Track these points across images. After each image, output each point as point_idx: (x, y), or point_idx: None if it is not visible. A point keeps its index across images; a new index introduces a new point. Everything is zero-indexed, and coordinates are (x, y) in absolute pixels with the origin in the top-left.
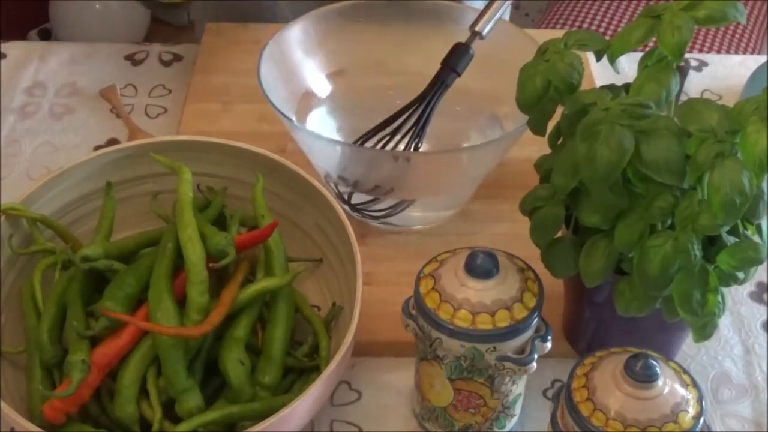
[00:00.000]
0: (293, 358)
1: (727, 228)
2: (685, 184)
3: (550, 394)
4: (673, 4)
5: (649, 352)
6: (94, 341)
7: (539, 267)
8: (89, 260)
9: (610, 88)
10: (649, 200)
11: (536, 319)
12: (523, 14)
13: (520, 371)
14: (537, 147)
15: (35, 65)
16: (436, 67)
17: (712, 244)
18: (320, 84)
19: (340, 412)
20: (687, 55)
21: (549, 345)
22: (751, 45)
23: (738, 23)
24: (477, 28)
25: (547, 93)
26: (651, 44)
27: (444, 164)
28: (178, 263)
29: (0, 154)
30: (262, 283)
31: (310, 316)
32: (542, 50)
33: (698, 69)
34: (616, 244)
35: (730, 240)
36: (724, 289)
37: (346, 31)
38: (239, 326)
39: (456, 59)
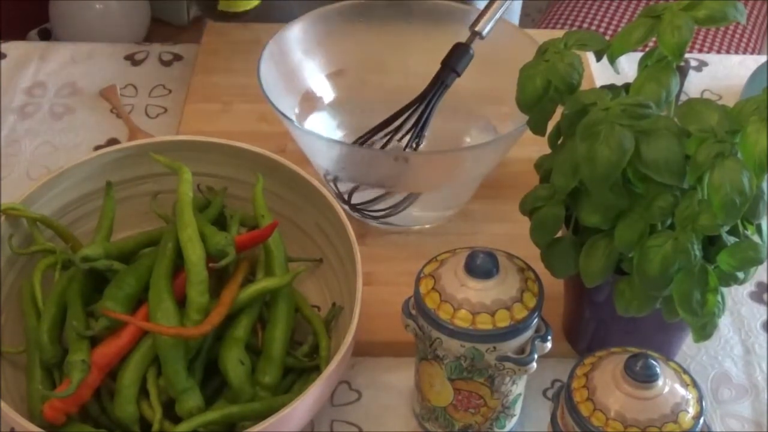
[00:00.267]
0: (293, 358)
1: (727, 228)
2: (685, 184)
3: (550, 394)
4: (673, 4)
5: (649, 352)
6: (94, 341)
7: (539, 267)
8: (89, 260)
9: (610, 88)
10: (649, 200)
11: (536, 319)
12: (523, 14)
13: (520, 371)
14: (537, 147)
15: (35, 65)
16: (436, 67)
17: (712, 244)
18: (320, 84)
19: (340, 412)
20: (687, 55)
21: (549, 345)
22: (751, 45)
23: (738, 23)
24: (477, 28)
25: (547, 93)
26: (651, 44)
27: (444, 164)
28: (178, 263)
29: (0, 154)
30: (262, 283)
31: (310, 316)
32: (542, 50)
33: (698, 69)
34: (616, 244)
35: (730, 240)
36: (724, 289)
37: (346, 31)
38: (239, 326)
39: (456, 59)
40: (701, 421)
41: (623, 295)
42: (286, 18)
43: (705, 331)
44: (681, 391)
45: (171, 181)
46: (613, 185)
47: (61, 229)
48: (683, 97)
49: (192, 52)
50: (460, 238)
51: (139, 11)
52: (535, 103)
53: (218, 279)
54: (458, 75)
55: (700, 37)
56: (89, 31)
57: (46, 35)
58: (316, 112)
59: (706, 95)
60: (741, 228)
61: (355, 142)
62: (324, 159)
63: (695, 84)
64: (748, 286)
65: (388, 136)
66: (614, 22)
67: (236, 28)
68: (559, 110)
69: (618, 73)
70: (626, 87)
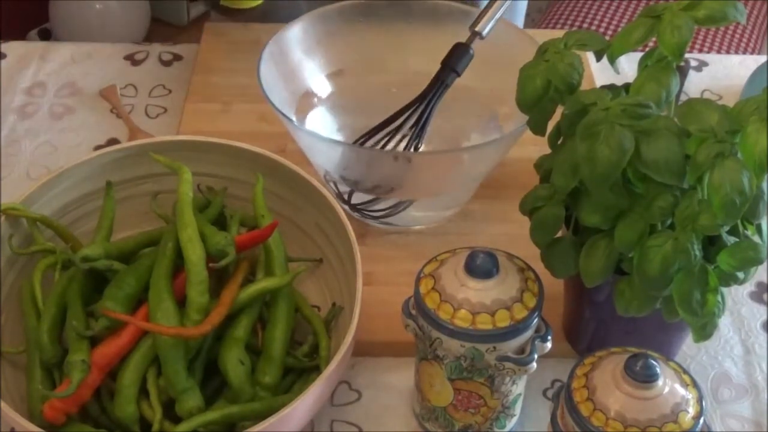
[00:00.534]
0: (293, 358)
1: (727, 228)
2: (685, 184)
3: (550, 394)
4: (673, 4)
5: (649, 352)
6: (94, 341)
7: (539, 267)
8: (89, 260)
9: (610, 88)
10: (649, 200)
11: (536, 319)
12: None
13: (520, 371)
14: (537, 147)
15: (35, 65)
16: (436, 67)
17: (712, 244)
18: (320, 84)
19: (340, 412)
20: (687, 55)
21: (549, 345)
22: (751, 45)
23: (738, 23)
24: (477, 28)
25: (547, 93)
26: (651, 44)
27: (444, 164)
28: (178, 263)
29: (0, 154)
30: (262, 283)
31: (310, 316)
32: (542, 50)
33: (698, 69)
34: (616, 244)
35: (730, 240)
36: (724, 289)
37: (346, 31)
38: (239, 326)
39: (456, 59)
40: (701, 421)
41: (623, 295)
42: (286, 18)
43: (705, 331)
44: (681, 391)
45: (171, 181)
46: (613, 185)
47: (61, 229)
48: (683, 97)
49: (192, 52)
50: (460, 238)
51: (139, 11)
52: (535, 103)
53: (218, 279)
54: (458, 75)
55: (700, 37)
56: (89, 31)
57: (46, 35)
58: (315, 113)
59: (706, 95)
60: (741, 228)
61: (355, 142)
62: (324, 159)
63: (695, 84)
64: (748, 286)
65: (388, 136)
66: (614, 22)
67: (236, 28)
68: (559, 110)
69: (618, 73)
70: (626, 87)
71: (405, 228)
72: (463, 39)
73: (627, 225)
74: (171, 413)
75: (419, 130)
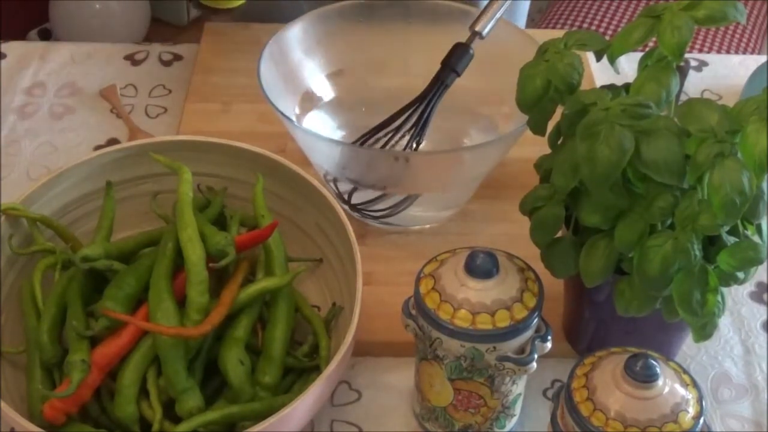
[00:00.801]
0: (293, 358)
1: (727, 228)
2: (685, 184)
3: (550, 394)
4: (673, 4)
5: (649, 352)
6: (94, 341)
7: (539, 267)
8: (89, 260)
9: (610, 88)
10: (649, 200)
11: (536, 319)
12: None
13: (520, 371)
14: (537, 147)
15: (35, 65)
16: (436, 67)
17: (712, 244)
18: (320, 84)
19: (340, 412)
20: (687, 55)
21: (549, 345)
22: (751, 45)
23: (738, 23)
24: (477, 28)
25: (547, 93)
26: (651, 44)
27: (444, 164)
28: (178, 263)
29: (0, 154)
30: (262, 283)
31: (310, 316)
32: (542, 50)
33: (698, 69)
34: (616, 244)
35: (730, 240)
36: (724, 289)
37: (346, 31)
38: (239, 326)
39: (456, 59)
40: (701, 421)
41: (623, 295)
42: (286, 18)
43: (705, 331)
44: (681, 391)
45: (171, 181)
46: (613, 185)
47: (61, 229)
48: (683, 97)
49: (192, 52)
50: (460, 238)
51: (139, 11)
52: (535, 103)
53: (218, 279)
54: (458, 75)
55: (700, 37)
56: (89, 31)
57: (46, 35)
58: (315, 112)
59: (706, 95)
60: (741, 228)
61: (355, 142)
62: (324, 159)
63: (695, 84)
64: (748, 286)
65: (389, 136)
66: (614, 22)
67: (236, 28)
68: (559, 110)
69: (618, 73)
70: (626, 87)
71: (405, 228)
72: (463, 39)
73: (627, 225)
74: (171, 413)
75: (419, 130)
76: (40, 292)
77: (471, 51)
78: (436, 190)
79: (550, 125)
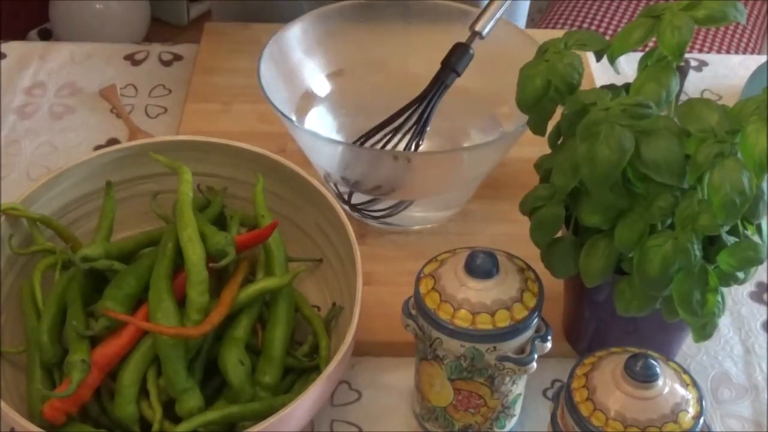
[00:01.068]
0: (293, 358)
1: (727, 228)
2: (685, 184)
3: (550, 394)
4: (673, 4)
5: (649, 352)
6: (94, 341)
7: (539, 267)
8: (89, 260)
9: (610, 88)
10: (649, 200)
11: (536, 319)
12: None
13: (520, 371)
14: (537, 147)
15: (35, 65)
16: (436, 67)
17: (712, 244)
18: (320, 84)
19: (340, 412)
20: (687, 55)
21: (549, 345)
22: (751, 45)
23: (738, 23)
24: (477, 28)
25: (547, 93)
26: (651, 44)
27: (444, 164)
28: (178, 263)
29: (0, 154)
30: (262, 283)
31: (310, 316)
32: (542, 50)
33: (698, 69)
34: (616, 244)
35: (730, 240)
36: (724, 289)
37: (346, 31)
38: (239, 326)
39: (456, 59)
40: (701, 421)
41: (623, 295)
42: (286, 18)
43: (705, 331)
44: (681, 391)
45: (171, 181)
46: (613, 185)
47: (61, 229)
48: (683, 97)
49: (192, 52)
50: (460, 238)
51: (139, 11)
52: (535, 103)
53: (218, 279)
54: (458, 75)
55: (700, 37)
56: (89, 31)
57: (46, 35)
58: (315, 112)
59: (706, 95)
60: (741, 228)
61: (355, 142)
62: (324, 159)
63: (695, 84)
64: (748, 286)
65: (388, 136)
66: (614, 22)
67: (236, 28)
68: (559, 110)
69: (618, 73)
70: (626, 87)
71: (405, 228)
72: (463, 39)
73: (627, 225)
74: (171, 413)
75: (419, 130)
76: (40, 292)
77: (471, 51)
78: (437, 191)
79: (550, 125)
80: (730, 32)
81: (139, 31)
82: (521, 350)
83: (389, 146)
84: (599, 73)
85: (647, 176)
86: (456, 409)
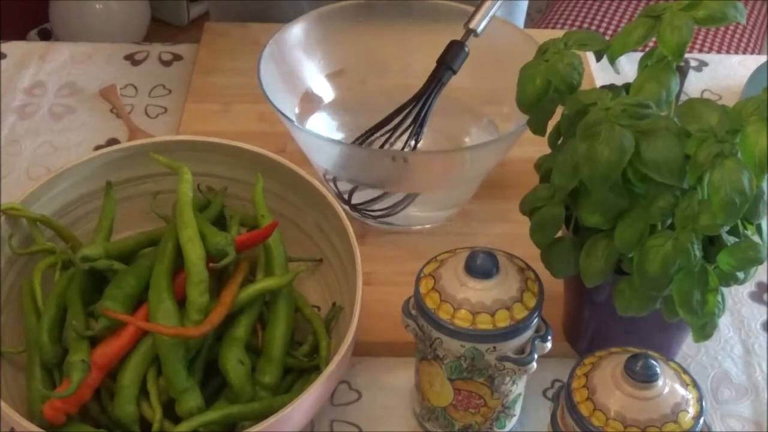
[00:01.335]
0: (293, 358)
1: (727, 228)
2: (685, 184)
3: (550, 394)
4: (673, 4)
5: (649, 352)
6: (94, 341)
7: (539, 267)
8: (89, 260)
9: (610, 88)
10: (649, 200)
11: (536, 319)
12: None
13: (520, 371)
14: (537, 147)
15: (35, 65)
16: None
17: (712, 244)
18: (320, 84)
19: (340, 412)
20: (687, 55)
21: (549, 345)
22: (751, 45)
23: (738, 23)
24: (471, 26)
25: (547, 93)
26: (651, 44)
27: (444, 164)
28: (178, 263)
29: (0, 154)
30: (262, 283)
31: (310, 316)
32: (542, 50)
33: (698, 69)
34: (616, 244)
35: (730, 240)
36: (724, 289)
37: (346, 31)
38: (239, 326)
39: (452, 57)
40: (701, 421)
41: (623, 295)
42: (286, 18)
43: (705, 331)
44: (681, 391)
45: (171, 181)
46: (613, 185)
47: (61, 229)
48: (683, 97)
49: (192, 52)
50: (460, 238)
51: (139, 11)
52: (535, 103)
53: (218, 279)
54: (454, 72)
55: (700, 37)
56: (89, 31)
57: (46, 35)
58: (316, 112)
59: (706, 95)
60: (741, 228)
61: (354, 142)
62: (324, 159)
63: (695, 84)
64: (748, 286)
65: (386, 135)
66: (614, 22)
67: (236, 28)
68: (559, 110)
69: (618, 73)
70: (626, 87)
71: (405, 228)
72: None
73: (627, 225)
74: (171, 413)
75: (417, 129)
76: (40, 292)
77: (466, 48)
78: (436, 190)
79: (550, 125)
80: (730, 32)
81: (139, 31)
82: (521, 350)
83: (387, 146)
84: (599, 73)
85: (647, 176)
86: (456, 409)
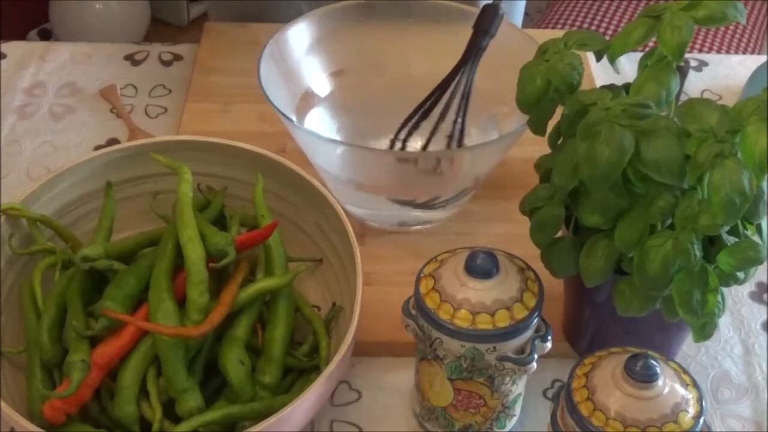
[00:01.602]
0: (293, 358)
1: (727, 228)
2: (685, 184)
3: (550, 394)
4: (673, 4)
5: (649, 352)
6: (94, 341)
7: (539, 267)
8: (89, 260)
9: (610, 88)
10: (649, 200)
11: (536, 319)
12: (523, 14)
13: (520, 371)
14: (537, 147)
15: (35, 65)
16: (436, 66)
17: (712, 244)
18: (320, 84)
19: (340, 412)
20: (687, 55)
21: (549, 345)
22: (751, 45)
23: (738, 23)
24: None
25: (547, 93)
26: (651, 44)
27: (443, 164)
28: (178, 263)
29: (0, 154)
30: (262, 283)
31: (310, 316)
32: (542, 50)
33: (698, 69)
34: (616, 244)
35: (730, 240)
36: (724, 289)
37: (346, 31)
38: (239, 326)
39: (488, 21)
40: (701, 421)
41: (623, 295)
42: (286, 18)
43: (705, 331)
44: (681, 391)
45: (171, 181)
46: (613, 185)
47: (61, 229)
48: (683, 97)
49: (192, 52)
50: (460, 238)
51: (139, 11)
52: (535, 103)
53: (218, 279)
54: (492, 36)
55: (700, 37)
56: (89, 31)
57: (46, 35)
58: (315, 112)
59: (706, 95)
60: (741, 228)
61: (399, 130)
62: (324, 159)
63: (695, 84)
64: (748, 286)
65: (435, 121)
66: (614, 22)
67: (236, 28)
68: (559, 110)
69: (618, 73)
70: (626, 87)
71: (405, 228)
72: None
73: (627, 225)
74: (171, 413)
75: (465, 103)
76: (40, 292)
77: (501, 11)
78: (436, 190)
79: (550, 125)
80: (730, 32)
81: (139, 31)
82: (521, 350)
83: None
84: (599, 73)
85: (647, 176)
86: (456, 409)
